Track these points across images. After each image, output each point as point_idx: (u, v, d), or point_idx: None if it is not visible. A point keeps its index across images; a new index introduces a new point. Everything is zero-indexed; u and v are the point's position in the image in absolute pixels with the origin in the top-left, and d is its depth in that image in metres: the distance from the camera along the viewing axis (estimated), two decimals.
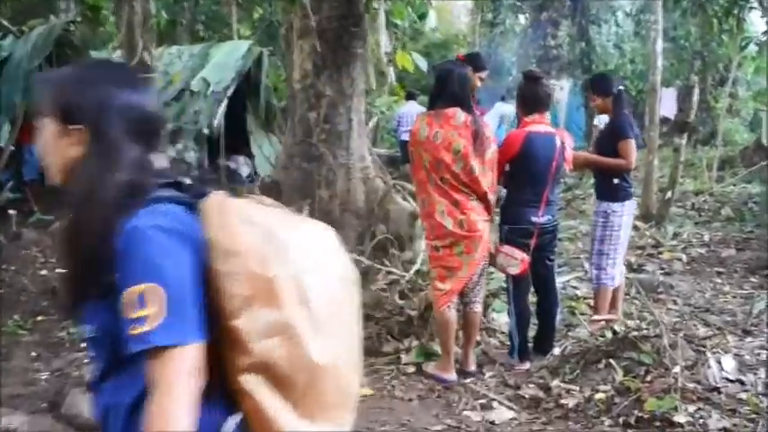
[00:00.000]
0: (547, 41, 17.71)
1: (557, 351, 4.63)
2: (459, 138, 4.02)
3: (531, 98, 4.53)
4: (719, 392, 3.82)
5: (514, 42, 21.54)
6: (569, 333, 5.06)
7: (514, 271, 4.44)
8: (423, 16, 6.23)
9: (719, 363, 4.09)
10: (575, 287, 6.25)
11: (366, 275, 5.36)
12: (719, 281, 6.75)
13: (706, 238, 8.30)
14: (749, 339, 4.94)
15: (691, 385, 3.80)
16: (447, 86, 4.20)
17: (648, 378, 3.91)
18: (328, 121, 5.56)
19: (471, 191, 4.16)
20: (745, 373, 4.09)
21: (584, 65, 17.06)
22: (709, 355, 4.12)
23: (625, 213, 5.13)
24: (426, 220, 4.27)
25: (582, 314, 5.46)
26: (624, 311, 5.44)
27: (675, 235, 8.49)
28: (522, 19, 21.52)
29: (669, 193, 8.64)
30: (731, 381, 3.97)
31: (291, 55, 5.82)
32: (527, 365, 4.48)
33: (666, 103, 19.62)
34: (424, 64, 6.28)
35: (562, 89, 17.03)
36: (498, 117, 19.90)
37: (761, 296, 6.14)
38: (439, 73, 4.40)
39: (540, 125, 4.49)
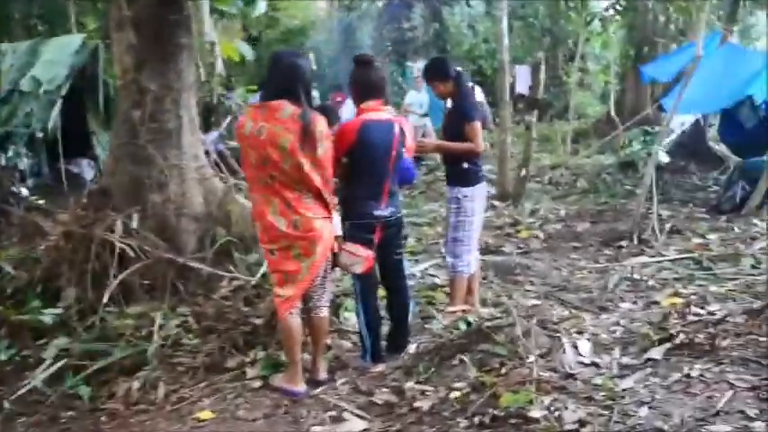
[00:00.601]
0: (401, 24, 17.62)
1: (412, 348, 4.39)
2: (285, 133, 3.68)
3: (364, 84, 4.25)
4: (575, 379, 3.69)
5: (370, 26, 21.41)
6: (426, 326, 4.86)
7: (359, 269, 4.16)
8: (250, 2, 5.80)
9: (575, 346, 3.98)
10: (433, 275, 6.09)
11: (207, 284, 4.96)
12: (576, 256, 6.79)
13: (562, 213, 8.40)
14: (605, 316, 4.90)
15: (546, 374, 3.63)
16: (273, 76, 3.85)
17: (504, 371, 3.71)
18: (155, 120, 5.04)
19: (304, 188, 3.84)
20: (600, 355, 4.00)
21: (439, 46, 17.10)
22: (564, 339, 4.00)
23: (477, 197, 4.96)
24: (259, 221, 3.91)
25: (440, 305, 5.28)
26: (481, 298, 5.30)
27: (533, 212, 8.55)
28: (379, 3, 21.44)
29: (524, 171, 8.68)
30: (587, 365, 3.87)
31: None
32: (381, 367, 4.21)
33: (521, 80, 20.13)
34: (249, 53, 5.87)
35: (419, 71, 16.98)
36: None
37: (614, 269, 6.21)
38: (269, 62, 4.04)
39: (376, 112, 4.22)
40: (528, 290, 5.81)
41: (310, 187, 3.83)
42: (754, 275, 5.65)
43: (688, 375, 3.21)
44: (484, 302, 5.22)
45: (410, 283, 4.79)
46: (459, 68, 5.02)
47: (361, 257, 4.10)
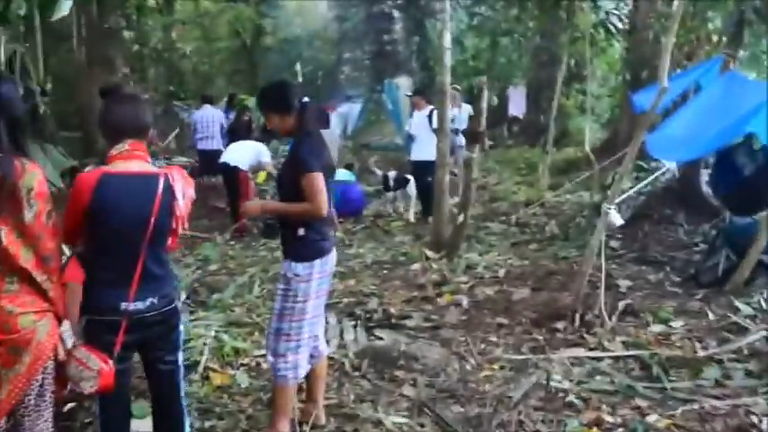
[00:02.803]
0: (381, 37, 16.08)
1: None
2: None
3: (114, 122, 2.83)
4: None
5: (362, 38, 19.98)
6: None
7: (90, 387, 2.67)
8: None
9: None
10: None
11: None
12: (494, 339, 5.16)
13: (501, 273, 6.73)
14: None
15: None
16: None
17: None
18: None
19: (5, 268, 2.43)
20: None
21: (421, 61, 15.52)
22: None
23: (314, 277, 3.47)
24: None
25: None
26: (333, 403, 3.76)
27: (469, 268, 6.91)
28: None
29: (461, 217, 7.05)
30: None
31: None
32: None
33: (515, 103, 18.52)
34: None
35: (399, 88, 15.44)
36: (341, 117, 18.29)
37: (535, 366, 4.58)
38: None
39: (131, 161, 2.75)
40: (402, 395, 4.20)
41: (13, 267, 2.47)
42: (716, 398, 3.99)
43: None
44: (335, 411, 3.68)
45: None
46: (306, 99, 3.52)
47: (94, 371, 2.64)
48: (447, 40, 7.23)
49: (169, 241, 2.96)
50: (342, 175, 10.48)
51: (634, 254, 7.60)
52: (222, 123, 11.23)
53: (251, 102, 13.68)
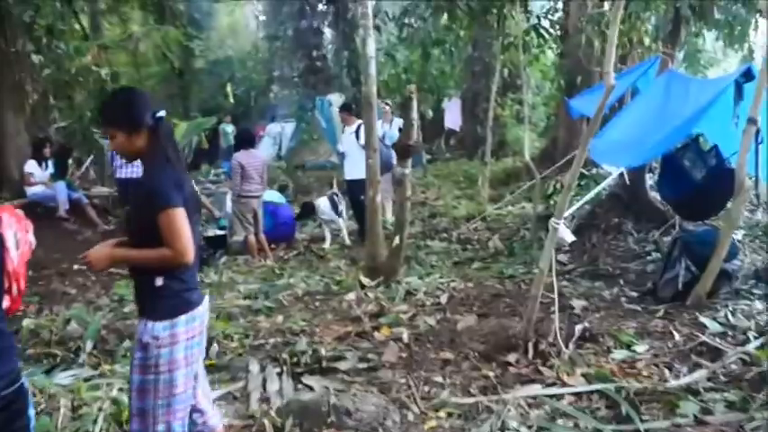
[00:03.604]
0: (310, 53, 15.43)
1: None
2: None
3: None
4: None
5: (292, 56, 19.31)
6: None
7: None
8: None
9: None
10: None
11: None
12: (439, 379, 4.51)
13: (444, 298, 6.11)
14: None
15: None
16: None
17: None
18: None
19: None
20: None
21: (353, 76, 14.92)
22: None
23: (181, 339, 2.70)
24: None
25: None
26: None
27: (409, 294, 6.27)
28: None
29: (397, 239, 6.42)
30: None
31: None
32: None
33: (451, 115, 18.09)
34: None
35: (332, 104, 14.82)
36: (273, 138, 17.55)
37: (486, 410, 3.96)
38: None
39: None
40: None
41: None
42: None
43: None
44: None
45: None
46: (160, 113, 2.76)
47: None
48: (371, 48, 6.65)
49: (4, 304, 2.25)
50: (271, 196, 9.77)
51: (584, 268, 7.12)
52: None
53: (182, 127, 12.90)
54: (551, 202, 9.76)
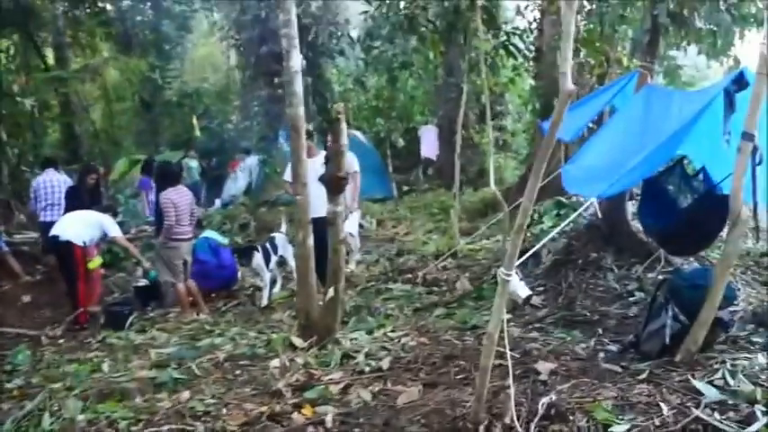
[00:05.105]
0: (272, 79, 14.56)
1: None
2: None
3: None
4: None
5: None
6: None
7: None
8: None
9: None
10: None
11: None
12: None
13: (386, 362, 5.09)
14: None
15: None
16: None
17: None
18: None
19: None
20: None
21: (318, 103, 14.02)
22: None
23: None
24: None
25: None
26: None
27: (345, 358, 5.26)
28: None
29: (331, 291, 5.42)
30: None
31: None
32: None
33: (427, 143, 17.20)
34: None
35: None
36: (246, 173, 16.57)
37: None
38: None
39: None
40: None
41: None
42: None
43: None
44: None
45: None
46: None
47: None
48: (295, 62, 5.71)
49: None
50: (210, 234, 8.78)
51: (560, 313, 6.14)
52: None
53: (120, 164, 11.92)
54: (532, 231, 8.85)
